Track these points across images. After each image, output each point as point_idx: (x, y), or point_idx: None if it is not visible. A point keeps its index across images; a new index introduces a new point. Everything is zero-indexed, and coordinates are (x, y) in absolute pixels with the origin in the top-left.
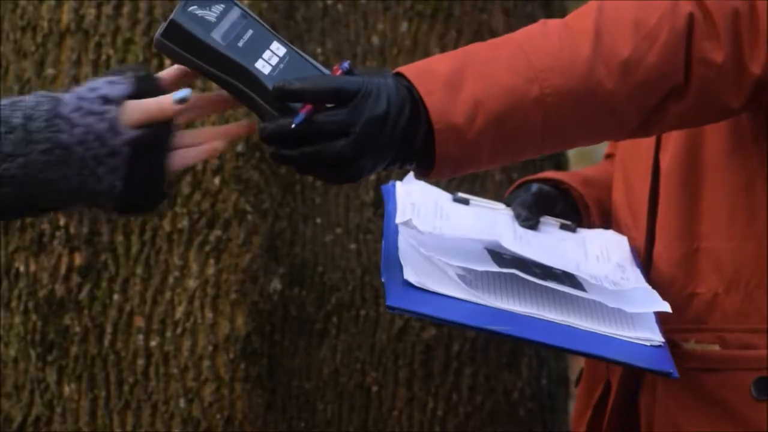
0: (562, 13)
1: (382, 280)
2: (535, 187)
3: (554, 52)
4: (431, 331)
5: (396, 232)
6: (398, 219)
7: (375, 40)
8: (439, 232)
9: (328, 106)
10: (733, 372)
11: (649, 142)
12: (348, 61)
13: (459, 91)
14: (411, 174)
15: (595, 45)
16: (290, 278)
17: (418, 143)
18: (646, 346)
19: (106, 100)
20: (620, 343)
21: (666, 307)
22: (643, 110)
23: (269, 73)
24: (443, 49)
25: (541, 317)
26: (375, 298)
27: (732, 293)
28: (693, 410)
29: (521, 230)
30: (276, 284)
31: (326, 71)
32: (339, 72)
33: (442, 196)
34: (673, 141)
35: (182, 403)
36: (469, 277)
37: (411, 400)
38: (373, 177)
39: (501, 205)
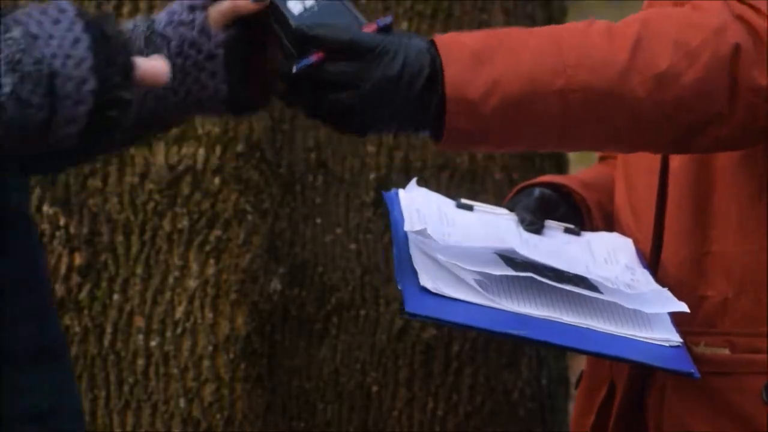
0: (562, 13)
1: (399, 287)
2: (537, 191)
3: (589, 51)
4: (431, 331)
5: (406, 240)
6: (407, 227)
7: None
8: (449, 240)
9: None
10: (743, 376)
11: None
12: (390, 17)
13: (482, 67)
14: (413, 181)
15: (633, 53)
16: (290, 278)
17: (432, 111)
18: (665, 346)
19: (192, 8)
20: (639, 344)
21: (683, 306)
22: (677, 127)
23: (299, 14)
24: None
25: (559, 320)
26: (375, 298)
27: (742, 298)
28: (702, 413)
29: (527, 235)
30: (276, 284)
31: (363, 21)
32: (373, 27)
33: (445, 203)
34: None
35: (182, 403)
36: (486, 282)
37: (411, 400)
38: (373, 177)
39: (504, 211)
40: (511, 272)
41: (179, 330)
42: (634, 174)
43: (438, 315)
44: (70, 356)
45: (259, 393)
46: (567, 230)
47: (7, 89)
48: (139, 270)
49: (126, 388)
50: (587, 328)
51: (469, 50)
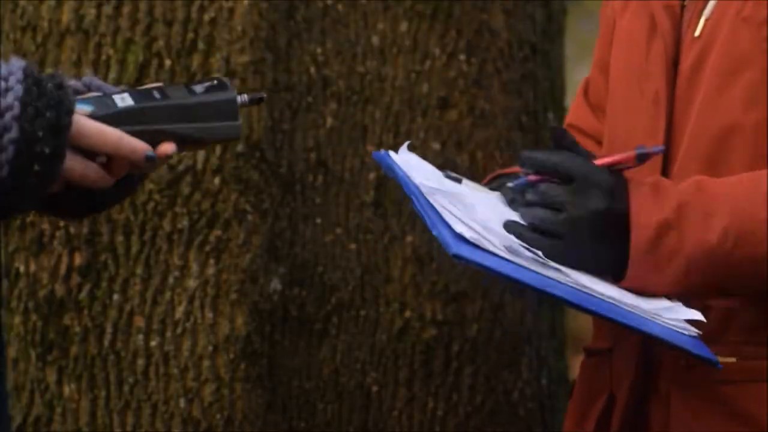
0: (562, 13)
1: (435, 233)
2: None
3: None
4: (431, 331)
5: (421, 192)
6: (421, 180)
7: (375, 40)
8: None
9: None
10: (752, 384)
11: (654, 145)
12: (661, 147)
13: (665, 236)
14: (405, 146)
15: None
16: (290, 278)
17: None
18: (684, 334)
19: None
20: (662, 326)
21: (698, 315)
22: None
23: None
24: (443, 50)
25: (590, 292)
26: (375, 298)
27: (747, 307)
28: (710, 421)
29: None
30: (276, 284)
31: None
32: (607, 161)
33: (436, 172)
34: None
35: (182, 403)
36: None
37: (411, 400)
38: (373, 177)
39: (487, 189)
40: (534, 263)
41: (179, 330)
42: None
43: (487, 262)
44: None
45: (259, 393)
46: None
47: None
48: (139, 270)
49: (126, 388)
50: (615, 305)
51: (659, 219)
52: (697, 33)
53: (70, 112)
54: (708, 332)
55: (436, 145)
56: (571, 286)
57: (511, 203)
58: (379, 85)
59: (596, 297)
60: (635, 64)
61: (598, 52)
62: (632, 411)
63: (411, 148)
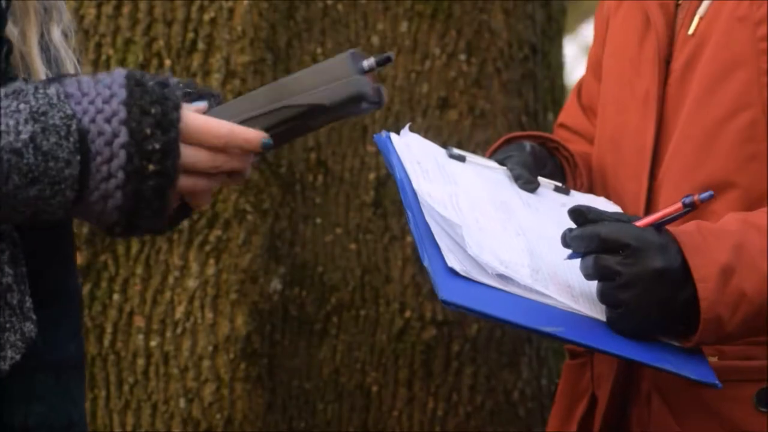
0: (562, 13)
1: (425, 264)
2: (528, 146)
3: None
4: (431, 331)
5: (416, 198)
6: (416, 185)
7: (375, 40)
8: (458, 205)
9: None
10: (733, 383)
11: (643, 143)
12: (709, 193)
13: (729, 280)
14: (407, 128)
15: None
16: (290, 278)
17: (680, 323)
18: (683, 349)
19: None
20: (658, 347)
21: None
22: None
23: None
24: (443, 50)
25: (589, 316)
26: (375, 298)
27: None
28: (691, 422)
29: (525, 196)
30: (276, 284)
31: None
32: (679, 208)
33: (439, 152)
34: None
35: (182, 403)
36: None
37: (411, 400)
38: (373, 177)
39: (494, 164)
40: (529, 289)
41: (179, 330)
42: (621, 183)
43: (475, 306)
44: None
45: (259, 393)
46: (557, 189)
47: (24, 136)
48: (139, 270)
49: (126, 388)
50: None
51: (717, 264)
52: (690, 31)
53: (177, 106)
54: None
55: None
56: (571, 319)
57: (518, 180)
58: None
59: (596, 322)
60: (627, 62)
61: (592, 54)
62: (614, 412)
63: (412, 129)
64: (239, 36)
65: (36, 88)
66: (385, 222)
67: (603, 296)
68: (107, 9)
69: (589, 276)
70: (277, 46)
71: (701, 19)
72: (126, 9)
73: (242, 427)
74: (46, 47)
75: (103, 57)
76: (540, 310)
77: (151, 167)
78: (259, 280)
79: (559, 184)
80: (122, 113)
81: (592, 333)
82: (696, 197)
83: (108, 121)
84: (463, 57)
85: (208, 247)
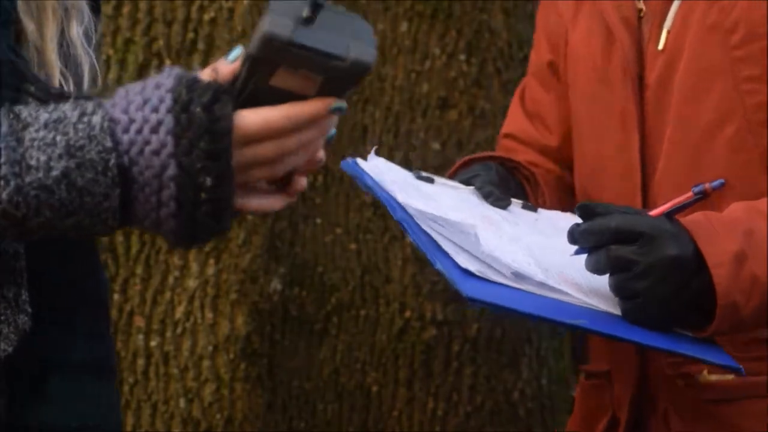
0: None
1: (437, 268)
2: (493, 166)
3: None
4: (431, 331)
5: (406, 212)
6: (403, 199)
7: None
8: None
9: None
10: (750, 400)
11: (629, 163)
12: (721, 181)
13: (742, 265)
14: (373, 151)
15: None
16: (290, 278)
17: (695, 311)
18: (698, 338)
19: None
20: (683, 342)
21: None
22: None
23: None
24: (443, 50)
25: (603, 310)
26: (375, 298)
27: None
28: None
29: (501, 212)
30: (276, 284)
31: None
32: (689, 196)
33: (407, 174)
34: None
35: (182, 403)
36: (521, 273)
37: (411, 400)
38: None
39: (460, 185)
40: (542, 284)
41: (179, 330)
42: (606, 182)
43: (500, 301)
44: (118, 374)
45: (259, 393)
46: (524, 206)
47: (55, 173)
48: (139, 270)
49: (126, 388)
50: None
51: (730, 252)
52: (660, 46)
53: (227, 130)
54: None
55: (436, 145)
56: (589, 312)
57: (488, 197)
58: (379, 85)
59: (611, 314)
60: (595, 78)
61: (535, 61)
62: (633, 430)
63: (378, 153)
64: (239, 36)
65: (81, 116)
66: (385, 222)
67: (618, 288)
68: (107, 9)
69: (600, 270)
70: None
71: (669, 32)
72: (126, 9)
73: (242, 427)
74: (66, 45)
75: (103, 57)
76: (558, 305)
77: (204, 195)
78: (259, 280)
79: (527, 203)
80: (170, 146)
81: (613, 324)
82: (707, 185)
83: (156, 153)
84: (463, 57)
85: (208, 247)
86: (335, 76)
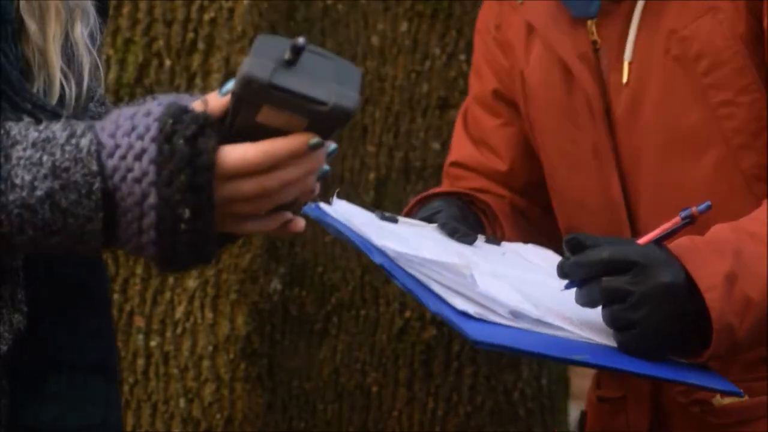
0: None
1: (433, 311)
2: (453, 201)
3: None
4: (431, 331)
5: (387, 256)
6: (380, 242)
7: (375, 40)
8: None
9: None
10: (763, 420)
11: (611, 200)
12: (707, 204)
13: (734, 287)
14: (335, 195)
15: None
16: (290, 278)
17: (692, 337)
18: (694, 365)
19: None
20: (683, 371)
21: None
22: None
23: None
24: (443, 50)
25: (599, 343)
26: (375, 298)
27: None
28: None
29: (470, 248)
30: (276, 284)
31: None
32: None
33: (370, 215)
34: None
35: (182, 403)
36: (518, 311)
37: (411, 400)
38: (373, 177)
39: (423, 223)
40: (538, 322)
41: (179, 330)
42: (584, 217)
43: (508, 343)
44: (120, 374)
45: (259, 393)
46: (488, 240)
47: (39, 193)
48: (139, 270)
49: (126, 388)
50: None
51: (722, 274)
52: (624, 80)
53: (208, 165)
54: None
55: (436, 145)
56: (590, 346)
57: (454, 234)
58: (379, 85)
59: (615, 353)
60: (559, 113)
61: (480, 91)
62: None
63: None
64: (239, 36)
65: (69, 137)
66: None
67: (613, 320)
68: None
69: (593, 303)
70: None
71: (630, 63)
72: (126, 9)
73: (242, 427)
74: (70, 46)
75: (103, 57)
76: (559, 341)
77: (183, 226)
78: (259, 280)
79: (489, 237)
80: (151, 175)
81: (613, 357)
82: (694, 209)
83: (138, 181)
84: (463, 57)
85: None
86: (319, 119)
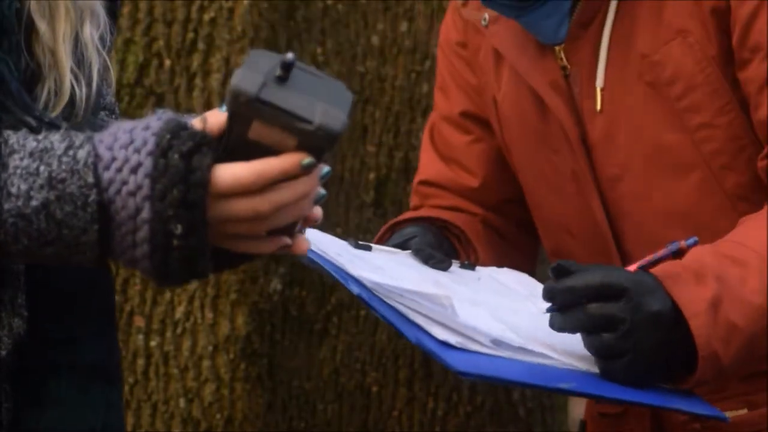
0: None
1: (414, 342)
2: (427, 227)
3: None
4: None
5: (365, 287)
6: (357, 272)
7: (375, 40)
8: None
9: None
10: None
11: (595, 225)
12: (694, 239)
13: (718, 312)
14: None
15: None
16: (290, 278)
17: (678, 363)
18: (677, 391)
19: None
20: (667, 396)
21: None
22: None
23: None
24: None
25: (582, 369)
26: None
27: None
28: None
29: (446, 275)
30: (276, 284)
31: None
32: (668, 252)
33: (344, 244)
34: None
35: (182, 403)
36: (499, 340)
37: (411, 400)
38: (373, 177)
39: (397, 250)
40: (525, 353)
41: (179, 330)
42: (587, 262)
43: (492, 373)
44: (122, 377)
45: (259, 393)
46: (463, 266)
47: (35, 203)
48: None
49: (126, 388)
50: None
51: (706, 300)
52: (598, 107)
53: (200, 185)
54: (710, 390)
55: None
56: (574, 374)
57: (429, 260)
58: (379, 85)
59: (599, 380)
60: (534, 141)
61: (444, 106)
62: None
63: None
64: (239, 36)
65: (67, 148)
66: (385, 222)
67: (603, 348)
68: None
69: (576, 329)
70: (277, 46)
71: (603, 90)
72: (126, 9)
73: (242, 427)
74: (80, 47)
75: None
76: (543, 369)
77: (176, 242)
78: (259, 280)
79: (463, 262)
80: (146, 189)
81: (599, 384)
82: (683, 243)
83: (133, 194)
84: None
85: None
86: (307, 138)
